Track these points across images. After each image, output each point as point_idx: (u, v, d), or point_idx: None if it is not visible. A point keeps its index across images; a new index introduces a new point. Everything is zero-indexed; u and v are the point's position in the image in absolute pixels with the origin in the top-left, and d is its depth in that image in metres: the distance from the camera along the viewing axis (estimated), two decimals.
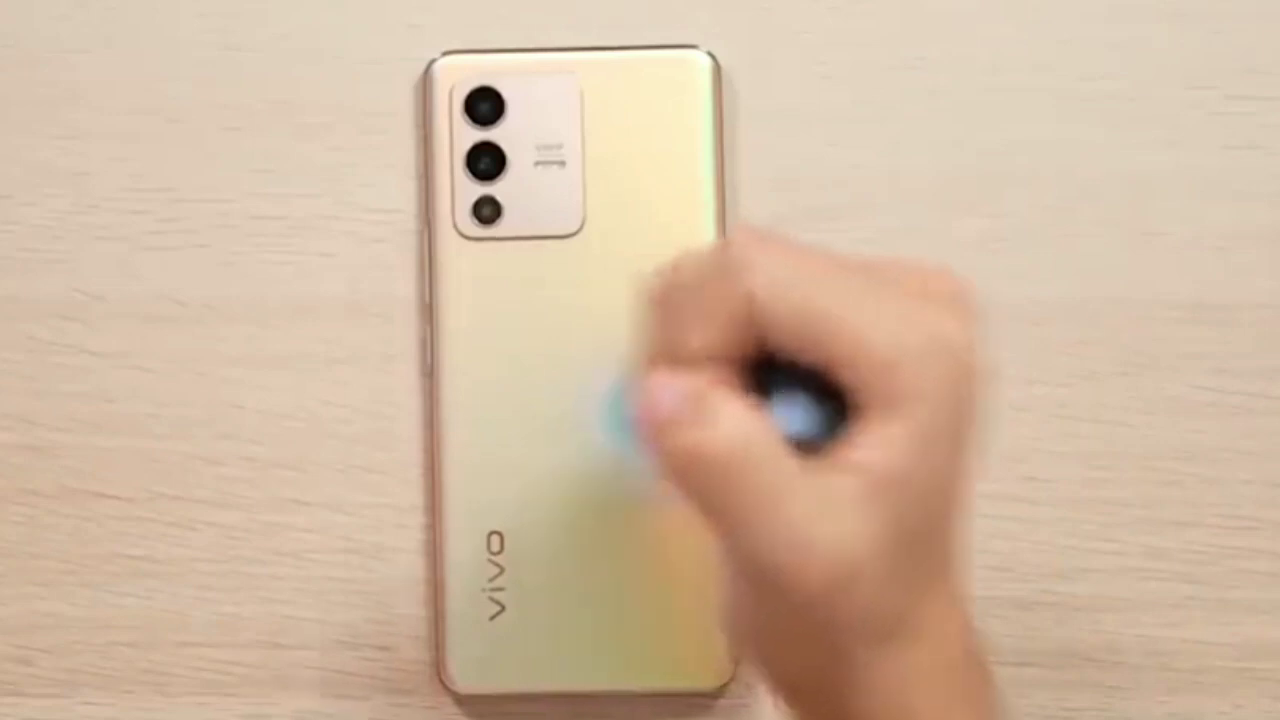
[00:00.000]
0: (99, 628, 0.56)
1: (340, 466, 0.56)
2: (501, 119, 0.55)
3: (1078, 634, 0.56)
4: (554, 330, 0.54)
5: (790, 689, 0.42)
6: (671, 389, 0.39)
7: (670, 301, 0.40)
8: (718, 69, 0.55)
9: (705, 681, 0.54)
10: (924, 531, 0.40)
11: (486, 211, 0.55)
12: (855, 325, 0.38)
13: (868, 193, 0.56)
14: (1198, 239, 0.56)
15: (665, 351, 0.40)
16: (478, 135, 0.55)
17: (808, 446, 0.39)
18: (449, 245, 0.55)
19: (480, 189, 0.55)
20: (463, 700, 0.55)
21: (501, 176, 0.55)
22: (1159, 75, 0.56)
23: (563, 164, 0.55)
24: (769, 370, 0.39)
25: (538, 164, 0.55)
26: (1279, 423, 0.56)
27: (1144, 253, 0.56)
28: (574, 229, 0.55)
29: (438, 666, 0.55)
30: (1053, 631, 0.56)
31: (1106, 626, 0.56)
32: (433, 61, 0.55)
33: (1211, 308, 0.56)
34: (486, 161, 0.55)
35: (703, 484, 0.38)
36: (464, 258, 0.55)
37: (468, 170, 0.55)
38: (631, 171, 0.55)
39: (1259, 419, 0.56)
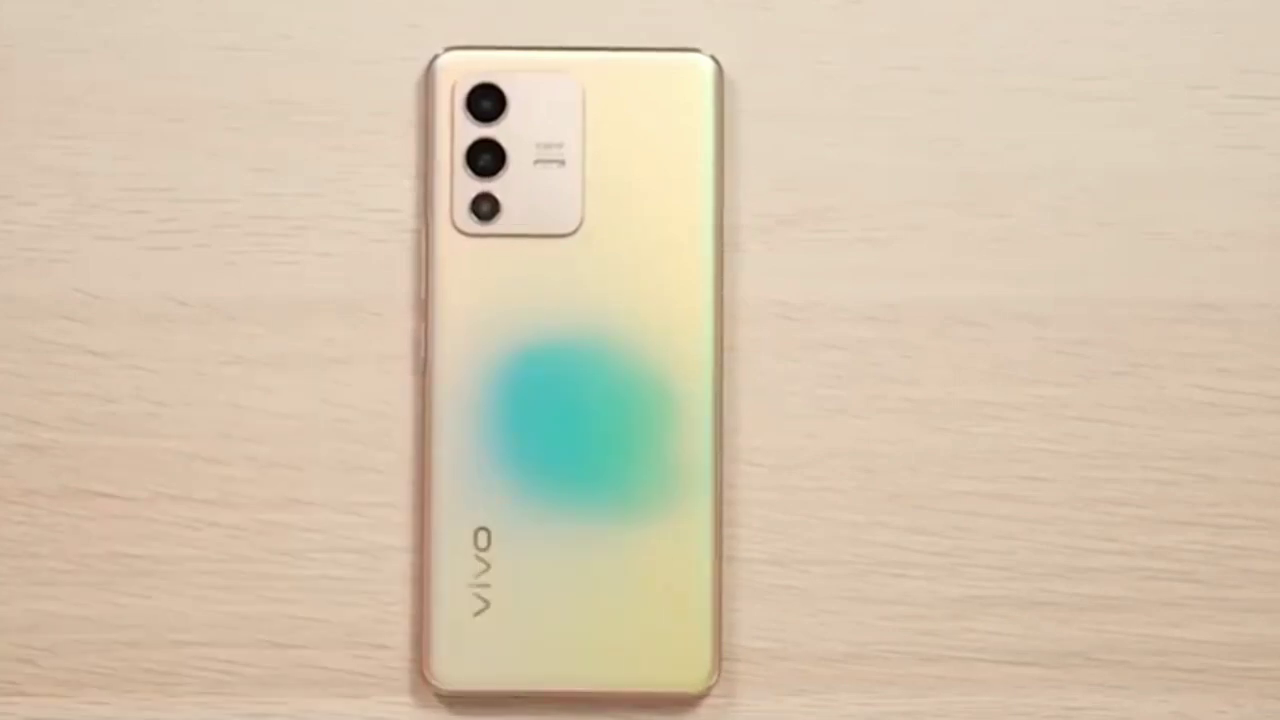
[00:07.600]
0: (100, 627, 0.56)
1: (340, 466, 0.56)
2: (503, 116, 0.55)
3: (1078, 634, 0.56)
4: (548, 328, 0.54)
5: None
6: None
7: None
8: (720, 73, 0.55)
9: (689, 683, 0.54)
10: None
11: (485, 208, 0.55)
12: None
13: (868, 193, 0.56)
14: (1197, 239, 0.56)
15: None
16: (479, 132, 0.55)
17: None
18: (446, 241, 0.55)
19: (479, 185, 0.55)
20: (446, 699, 0.55)
21: (501, 174, 0.55)
22: (1159, 75, 0.56)
23: (562, 163, 0.55)
24: None
25: (537, 162, 0.55)
26: (1279, 423, 0.56)
27: (1144, 253, 0.56)
28: (571, 228, 0.55)
29: (422, 664, 0.55)
30: (1053, 631, 0.56)
31: (1106, 626, 0.55)
32: (436, 57, 0.55)
33: (1211, 308, 0.56)
34: (486, 158, 0.55)
35: None
36: (461, 254, 0.55)
37: (467, 166, 0.55)
38: (631, 172, 0.55)
39: (1259, 419, 0.56)
